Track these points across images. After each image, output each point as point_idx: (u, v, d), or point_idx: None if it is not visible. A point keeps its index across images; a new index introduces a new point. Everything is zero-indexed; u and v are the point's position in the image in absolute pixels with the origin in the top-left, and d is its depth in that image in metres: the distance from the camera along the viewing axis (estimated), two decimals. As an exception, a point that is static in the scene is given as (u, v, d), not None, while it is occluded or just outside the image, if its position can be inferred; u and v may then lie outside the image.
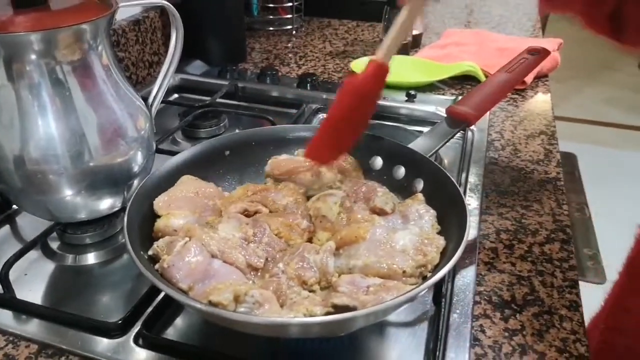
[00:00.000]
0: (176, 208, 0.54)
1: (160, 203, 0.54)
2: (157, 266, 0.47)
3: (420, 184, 0.59)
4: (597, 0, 0.55)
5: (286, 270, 0.48)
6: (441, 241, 0.50)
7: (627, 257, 0.72)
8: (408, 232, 0.51)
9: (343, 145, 0.58)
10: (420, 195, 0.57)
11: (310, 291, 0.48)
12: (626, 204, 2.30)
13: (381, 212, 0.55)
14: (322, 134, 0.57)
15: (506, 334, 0.51)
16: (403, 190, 0.61)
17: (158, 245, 0.49)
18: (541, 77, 1.08)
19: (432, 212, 0.55)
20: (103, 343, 0.49)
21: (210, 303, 0.42)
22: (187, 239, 0.49)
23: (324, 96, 0.96)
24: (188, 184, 0.58)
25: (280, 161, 0.62)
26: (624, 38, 0.56)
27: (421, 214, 0.54)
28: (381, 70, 0.54)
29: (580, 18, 0.58)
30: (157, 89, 0.65)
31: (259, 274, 0.50)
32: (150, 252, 0.49)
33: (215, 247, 0.49)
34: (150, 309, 0.52)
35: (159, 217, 0.54)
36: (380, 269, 0.48)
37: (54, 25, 0.50)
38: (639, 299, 0.70)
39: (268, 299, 0.44)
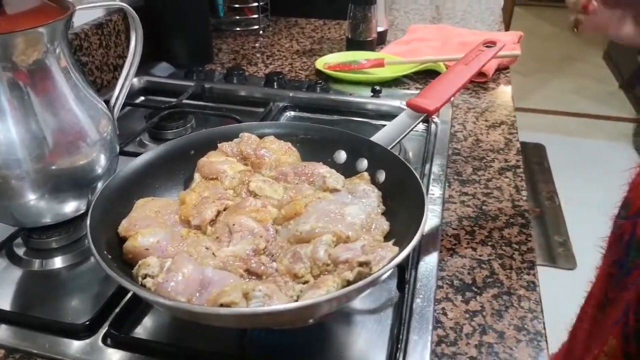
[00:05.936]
0: (142, 227, 0.51)
1: (125, 225, 0.52)
2: (149, 284, 0.46)
3: (382, 175, 0.61)
4: None
5: (278, 268, 0.49)
6: (385, 226, 0.53)
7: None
8: (357, 207, 0.54)
9: None
10: (365, 174, 0.60)
11: (305, 282, 0.48)
12: (594, 191, 2.37)
13: (333, 190, 0.58)
14: None
15: (467, 315, 0.53)
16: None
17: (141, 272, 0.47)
18: (502, 70, 1.11)
19: (378, 192, 0.58)
20: (72, 345, 0.49)
21: (222, 305, 0.42)
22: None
23: (291, 94, 0.98)
24: (146, 206, 0.55)
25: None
26: None
27: (367, 192, 0.57)
28: None
29: None
30: (119, 91, 0.65)
31: (253, 278, 0.49)
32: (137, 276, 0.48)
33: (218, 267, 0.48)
34: (117, 309, 0.52)
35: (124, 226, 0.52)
36: (325, 232, 0.50)
37: (10, 30, 0.50)
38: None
39: (274, 291, 0.45)
